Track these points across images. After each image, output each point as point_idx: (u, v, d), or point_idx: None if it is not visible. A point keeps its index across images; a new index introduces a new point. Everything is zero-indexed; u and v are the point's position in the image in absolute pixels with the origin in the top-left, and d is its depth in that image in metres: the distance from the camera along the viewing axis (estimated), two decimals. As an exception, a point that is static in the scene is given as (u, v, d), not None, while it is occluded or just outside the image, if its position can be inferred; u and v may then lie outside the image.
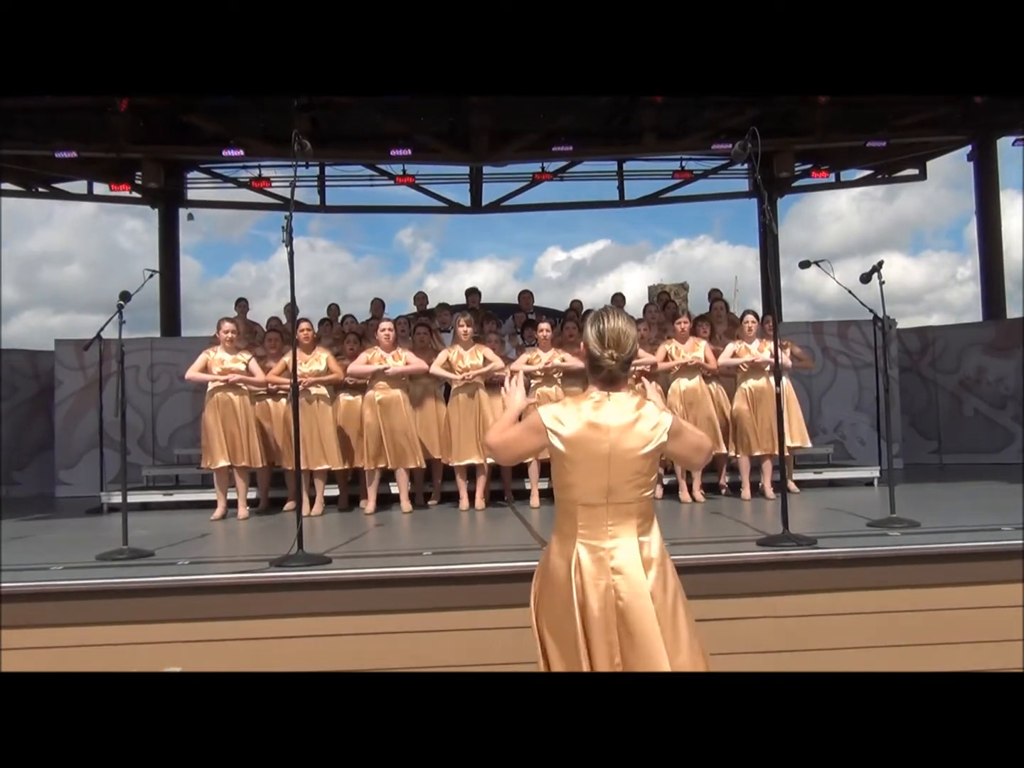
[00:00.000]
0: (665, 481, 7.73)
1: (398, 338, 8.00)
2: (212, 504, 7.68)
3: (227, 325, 7.48)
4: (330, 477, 7.78)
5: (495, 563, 3.84)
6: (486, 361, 7.54)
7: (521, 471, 7.68)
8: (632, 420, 2.57)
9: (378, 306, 9.91)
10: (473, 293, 10.08)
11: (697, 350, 7.29)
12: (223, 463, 7.27)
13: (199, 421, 8.06)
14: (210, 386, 7.34)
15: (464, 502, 7.63)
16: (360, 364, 7.39)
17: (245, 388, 7.34)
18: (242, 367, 7.26)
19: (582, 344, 2.61)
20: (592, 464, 2.48)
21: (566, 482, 2.52)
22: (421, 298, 10.16)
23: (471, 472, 7.73)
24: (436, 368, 7.45)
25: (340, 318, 9.79)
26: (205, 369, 7.36)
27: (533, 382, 7.69)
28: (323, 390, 7.43)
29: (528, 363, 7.49)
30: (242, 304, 9.82)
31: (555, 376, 7.62)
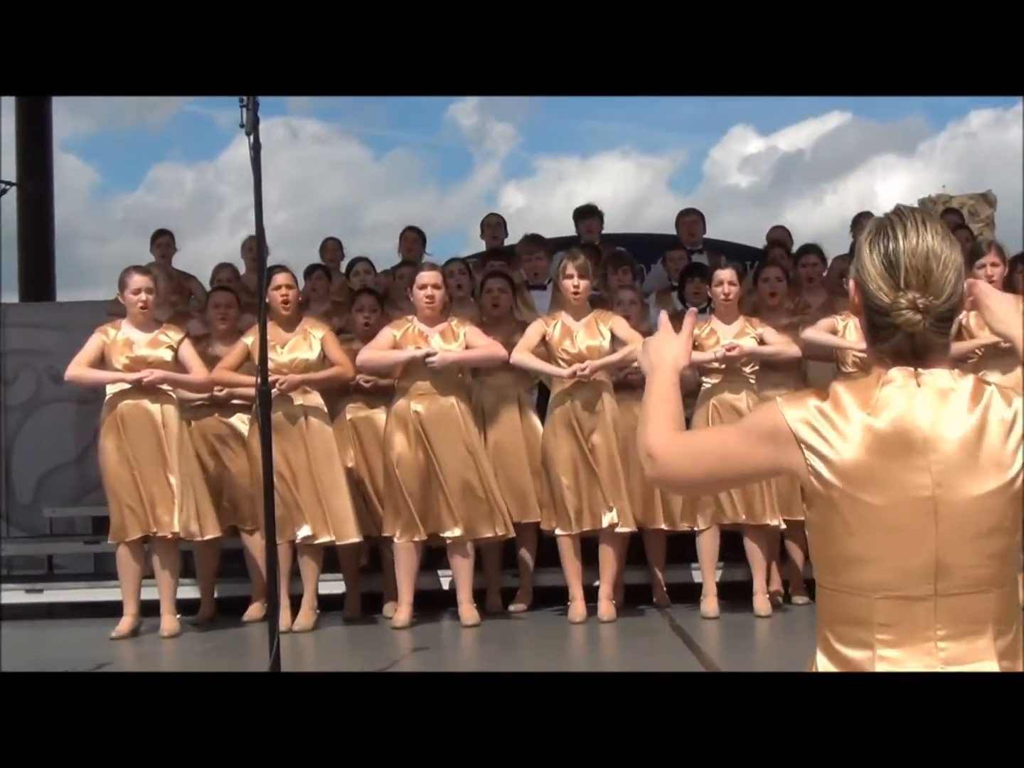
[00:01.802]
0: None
1: (451, 300, 6.69)
2: (113, 610, 6.35)
3: (138, 280, 6.19)
4: (329, 558, 6.58)
5: None
6: (615, 342, 6.23)
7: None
8: (974, 427, 2.03)
9: (413, 243, 8.08)
10: (589, 216, 8.30)
11: None
12: (136, 533, 6.05)
13: (90, 456, 7.12)
14: (110, 391, 6.22)
15: (579, 608, 6.25)
16: (381, 348, 6.18)
17: (173, 394, 6.32)
18: (167, 356, 6.22)
19: (851, 284, 2.12)
20: (900, 518, 1.99)
21: (844, 553, 2.03)
22: (494, 226, 8.32)
23: (587, 549, 6.31)
24: (522, 355, 6.19)
25: (346, 265, 8.16)
26: (101, 362, 6.20)
27: (705, 381, 6.47)
28: (316, 397, 6.30)
29: (696, 345, 6.06)
30: (165, 242, 8.22)
31: (744, 370, 6.43)
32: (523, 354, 6.34)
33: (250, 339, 6.25)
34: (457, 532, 6.24)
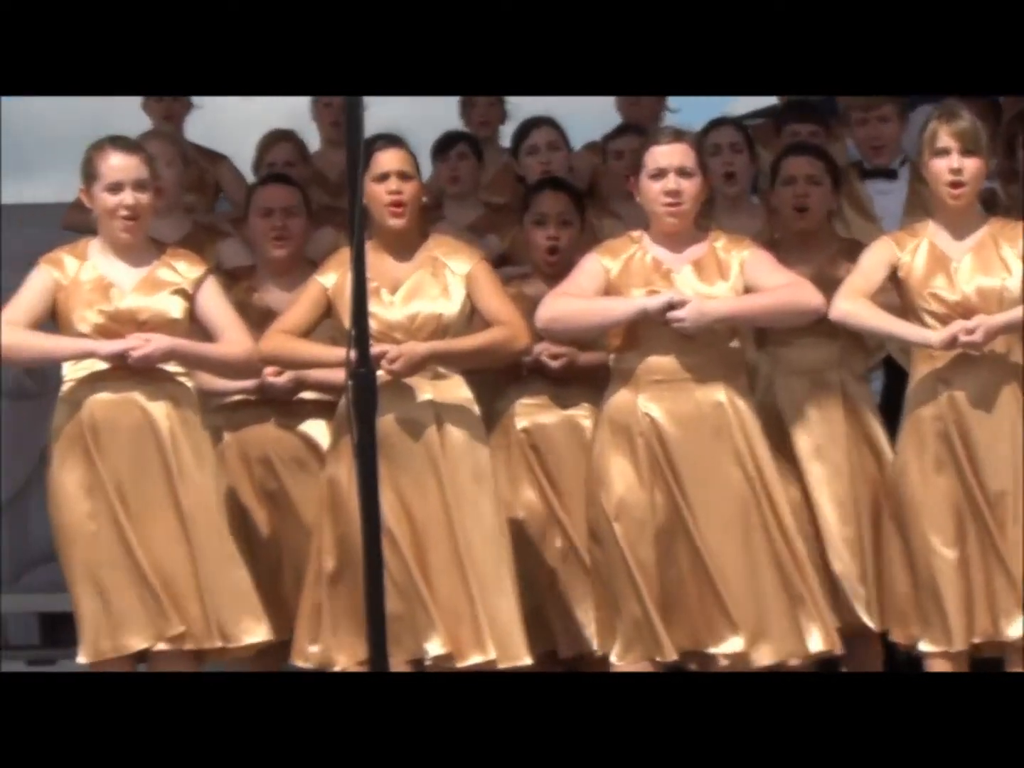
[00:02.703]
0: None
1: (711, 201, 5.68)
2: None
3: (121, 165, 4.98)
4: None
5: None
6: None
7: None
8: None
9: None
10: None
11: None
12: (129, 643, 4.94)
13: (31, 501, 6.58)
14: (68, 376, 5.15)
15: None
16: (580, 295, 5.24)
17: (188, 382, 5.23)
18: (175, 309, 5.05)
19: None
20: None
21: None
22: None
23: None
24: (855, 304, 5.21)
25: (513, 132, 7.07)
26: (50, 321, 5.18)
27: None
28: (458, 387, 5.39)
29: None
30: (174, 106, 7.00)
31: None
32: (857, 303, 5.03)
33: (331, 278, 5.06)
34: (737, 645, 4.89)
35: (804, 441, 5.47)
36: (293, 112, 7.44)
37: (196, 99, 7.24)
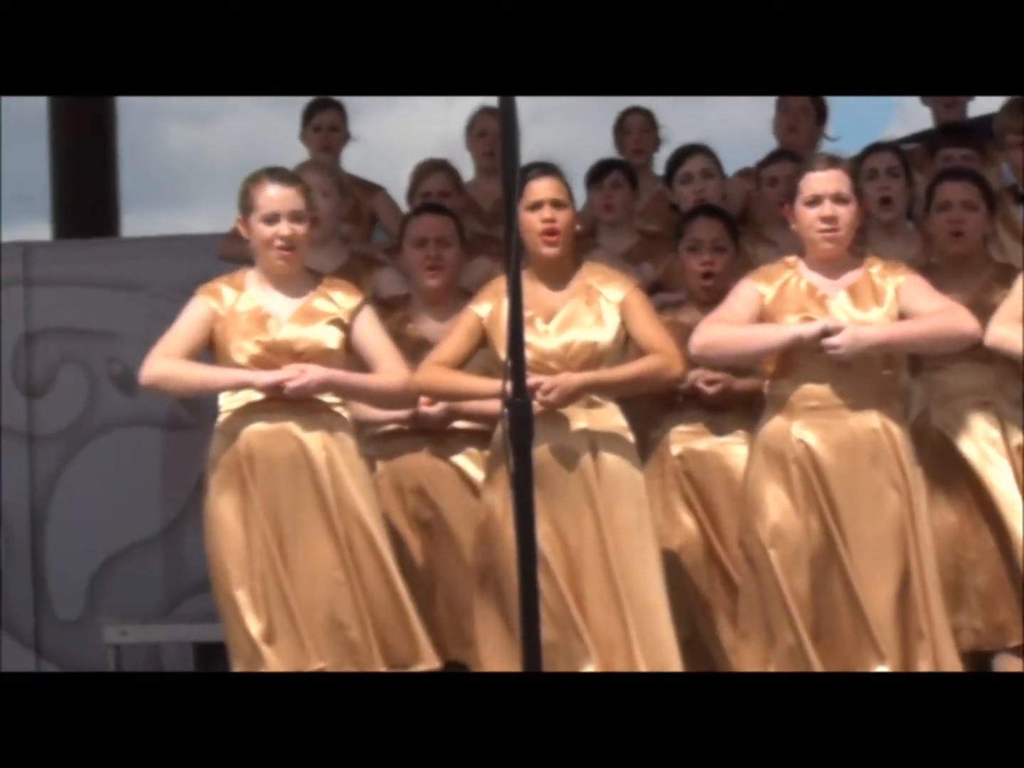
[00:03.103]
0: None
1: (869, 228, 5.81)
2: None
3: (279, 196, 5.01)
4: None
5: None
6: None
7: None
8: None
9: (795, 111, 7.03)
10: None
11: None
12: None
13: (188, 530, 6.44)
14: (225, 407, 5.19)
15: None
16: (735, 322, 5.33)
17: (344, 412, 5.23)
18: (332, 340, 5.05)
19: None
20: None
21: None
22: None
23: None
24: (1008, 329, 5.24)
25: (667, 161, 7.03)
26: (208, 351, 5.22)
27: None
28: (612, 415, 5.43)
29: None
30: (331, 120, 7.20)
31: None
32: (1012, 329, 5.11)
33: (486, 307, 5.05)
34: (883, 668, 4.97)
35: (970, 449, 5.44)
36: (447, 142, 7.39)
37: (353, 130, 7.35)
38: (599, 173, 6.70)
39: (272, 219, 4.92)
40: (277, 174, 5.08)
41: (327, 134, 7.17)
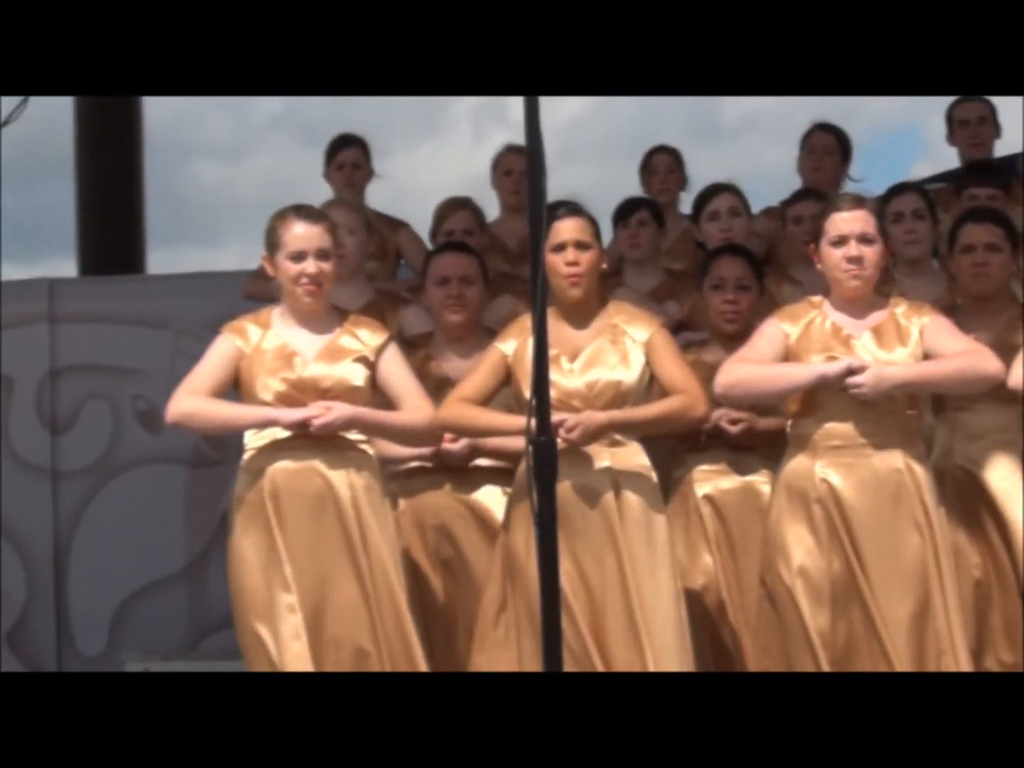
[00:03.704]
0: None
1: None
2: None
3: (306, 234, 5.05)
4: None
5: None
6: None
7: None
8: None
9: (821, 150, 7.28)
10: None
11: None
12: None
13: (212, 566, 6.53)
14: (250, 444, 5.21)
15: None
16: (759, 360, 5.34)
17: (370, 449, 5.23)
18: (357, 377, 5.06)
19: None
20: None
21: None
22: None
23: None
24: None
25: (694, 199, 7.01)
26: (234, 388, 5.22)
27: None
28: (635, 454, 5.42)
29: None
30: (354, 158, 7.29)
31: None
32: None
33: (511, 345, 5.03)
34: None
35: (993, 487, 5.45)
36: (473, 180, 7.21)
37: (377, 167, 7.35)
38: (626, 211, 6.71)
39: (299, 257, 4.91)
40: (304, 211, 5.06)
41: (350, 171, 7.24)
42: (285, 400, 4.96)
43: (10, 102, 7.32)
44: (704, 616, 5.48)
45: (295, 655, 5.05)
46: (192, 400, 5.02)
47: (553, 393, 4.14)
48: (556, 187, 4.38)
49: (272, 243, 4.97)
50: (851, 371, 4.81)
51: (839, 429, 4.91)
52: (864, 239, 4.93)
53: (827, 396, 4.87)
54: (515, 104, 3.73)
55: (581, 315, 5.04)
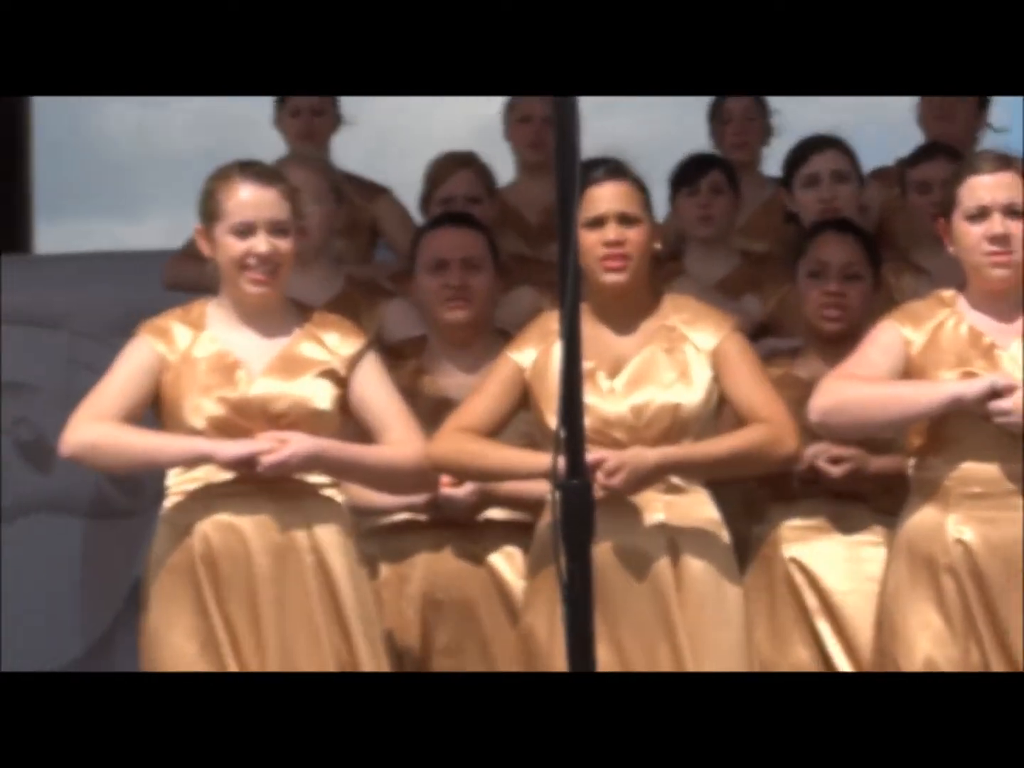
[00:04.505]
0: None
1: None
2: None
3: (252, 201, 5.09)
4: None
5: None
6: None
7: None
8: None
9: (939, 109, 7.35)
10: None
11: None
12: None
13: (120, 651, 6.92)
14: (175, 487, 5.23)
15: None
16: (869, 376, 5.36)
17: (338, 496, 5.30)
18: (322, 398, 5.14)
19: None
20: None
21: None
22: None
23: None
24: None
25: (784, 165, 7.22)
26: (154, 411, 5.26)
27: None
28: (700, 503, 5.47)
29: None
30: (316, 104, 7.45)
31: None
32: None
33: (530, 355, 5.23)
34: None
35: None
36: (477, 129, 7.64)
37: (346, 113, 7.45)
38: (690, 173, 6.77)
39: (245, 231, 4.94)
40: (252, 171, 5.08)
41: (309, 118, 7.36)
42: (224, 428, 4.98)
43: None
44: None
45: None
46: (95, 427, 5.01)
47: (588, 421, 4.09)
48: (592, 140, 4.51)
49: (209, 212, 4.99)
50: (995, 392, 4.86)
51: (979, 472, 5.00)
52: (1011, 211, 5.02)
53: (963, 427, 4.97)
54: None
55: (626, 314, 5.11)
